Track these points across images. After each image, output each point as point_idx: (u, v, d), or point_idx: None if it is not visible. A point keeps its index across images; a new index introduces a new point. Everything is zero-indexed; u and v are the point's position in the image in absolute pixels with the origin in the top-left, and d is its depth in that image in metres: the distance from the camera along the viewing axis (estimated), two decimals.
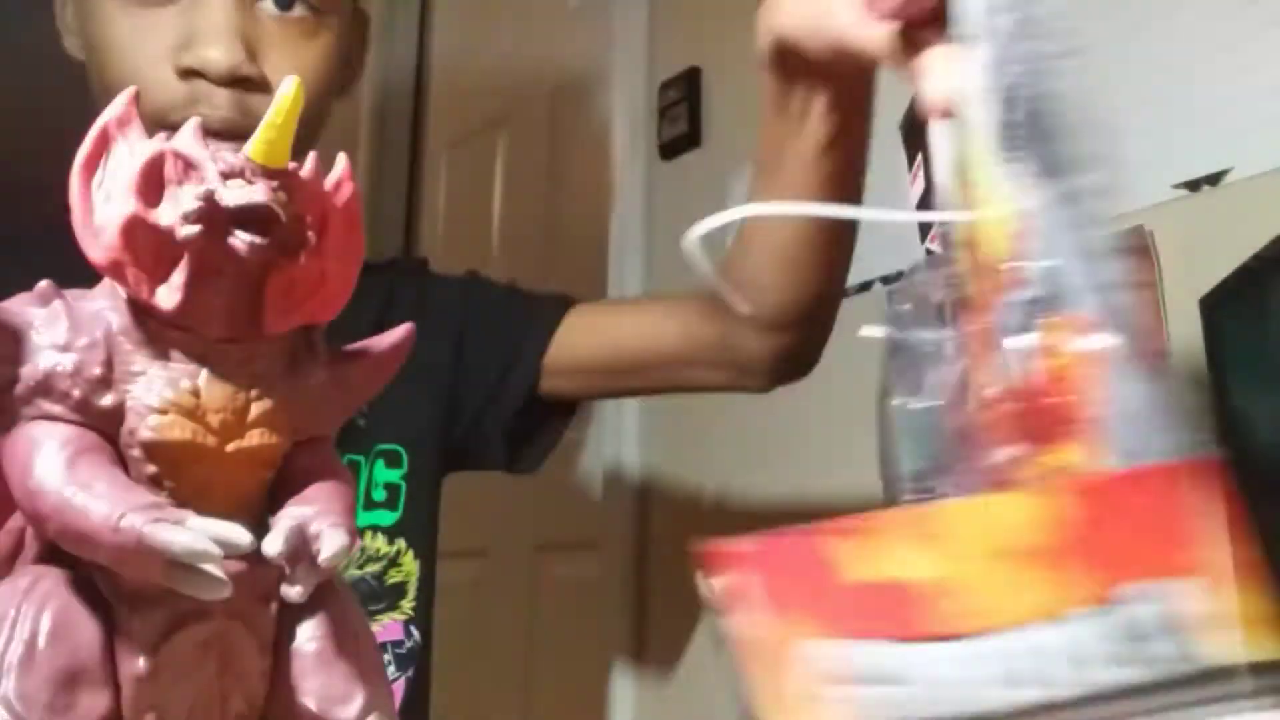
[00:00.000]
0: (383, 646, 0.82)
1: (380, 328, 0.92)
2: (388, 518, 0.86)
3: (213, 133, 0.70)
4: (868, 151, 0.65)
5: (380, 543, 0.85)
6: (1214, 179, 0.94)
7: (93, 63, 0.77)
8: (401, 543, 0.86)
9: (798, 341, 0.80)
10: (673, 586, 1.60)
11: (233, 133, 0.72)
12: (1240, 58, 1.00)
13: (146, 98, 0.70)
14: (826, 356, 1.38)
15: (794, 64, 0.55)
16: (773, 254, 0.74)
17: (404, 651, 0.85)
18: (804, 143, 0.61)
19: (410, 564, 0.86)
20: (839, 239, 0.75)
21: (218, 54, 0.72)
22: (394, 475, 0.87)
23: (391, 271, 0.94)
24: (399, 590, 0.86)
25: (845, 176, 0.64)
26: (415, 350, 0.93)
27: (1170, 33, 1.07)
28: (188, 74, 0.72)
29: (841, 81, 0.57)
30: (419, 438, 0.88)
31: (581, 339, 0.88)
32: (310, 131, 0.80)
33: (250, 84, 0.74)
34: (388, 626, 0.85)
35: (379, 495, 0.86)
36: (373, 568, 0.85)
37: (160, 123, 0.71)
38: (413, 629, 0.86)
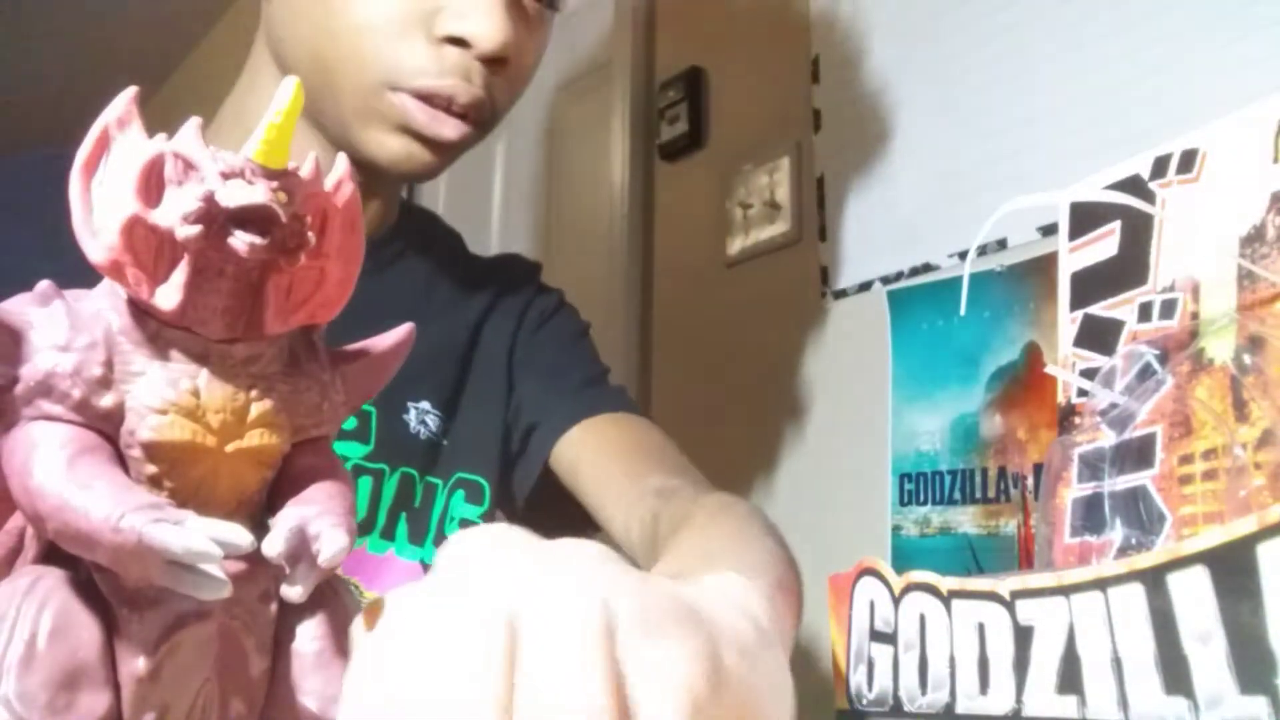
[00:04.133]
0: None
1: (484, 323, 0.89)
2: None
3: (456, 112, 0.70)
4: None
5: None
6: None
7: (301, 9, 0.71)
8: None
9: None
10: None
11: (468, 116, 0.70)
12: (1238, 57, 1.00)
13: (383, 57, 0.68)
14: (827, 358, 1.38)
15: None
16: None
17: None
18: None
19: None
20: None
21: (493, 28, 0.68)
22: (473, 512, 0.79)
23: (506, 268, 0.89)
24: None
25: None
26: (500, 367, 0.90)
27: (1167, 32, 1.07)
28: (447, 41, 0.69)
29: None
30: (499, 470, 0.81)
31: (573, 454, 0.80)
32: (511, 107, 0.77)
33: (503, 66, 0.71)
34: None
35: (453, 532, 0.77)
36: None
37: (395, 86, 0.68)
38: None
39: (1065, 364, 0.51)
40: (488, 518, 0.79)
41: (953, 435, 1.17)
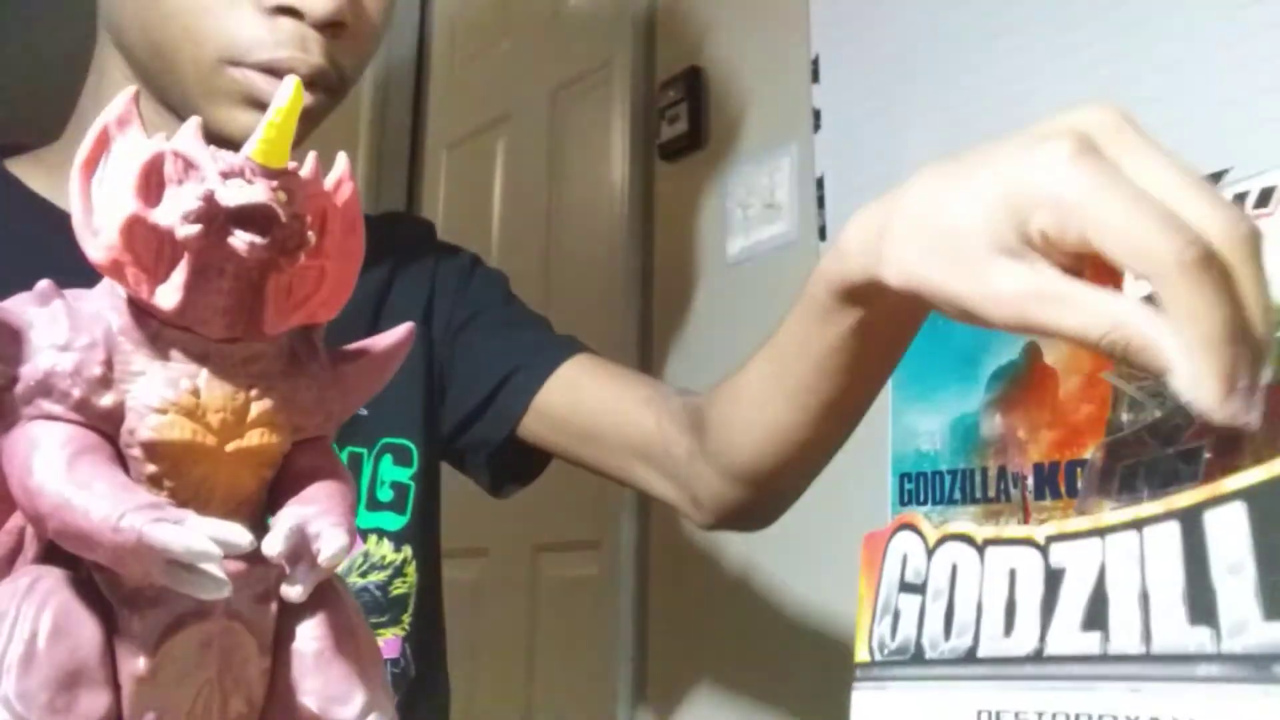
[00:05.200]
0: None
1: (388, 290, 0.89)
2: (395, 521, 0.79)
3: (305, 83, 0.69)
4: (890, 370, 0.62)
5: (386, 549, 0.78)
6: (1214, 179, 0.94)
7: None
8: (408, 550, 0.79)
9: (753, 499, 0.73)
10: (673, 586, 1.59)
11: (313, 84, 0.69)
12: (1238, 56, 1.00)
13: (218, 33, 0.67)
14: None
15: (865, 295, 0.50)
16: (752, 416, 0.68)
17: (399, 671, 0.78)
18: (829, 346, 0.57)
19: (413, 574, 0.79)
20: (824, 436, 0.68)
21: None
22: (403, 474, 0.80)
23: (395, 228, 0.88)
24: (402, 603, 0.78)
25: (860, 387, 0.60)
26: (421, 330, 0.90)
27: (1168, 31, 1.07)
28: (278, 12, 0.67)
29: (899, 316, 0.54)
30: (427, 432, 0.82)
31: (567, 394, 0.82)
32: (363, 69, 0.76)
33: (341, 31, 0.69)
34: (388, 643, 0.77)
35: (385, 495, 0.79)
36: (377, 576, 0.77)
37: (232, 61, 0.67)
38: (407, 648, 0.78)
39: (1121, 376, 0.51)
40: (418, 478, 0.81)
41: (953, 435, 1.17)
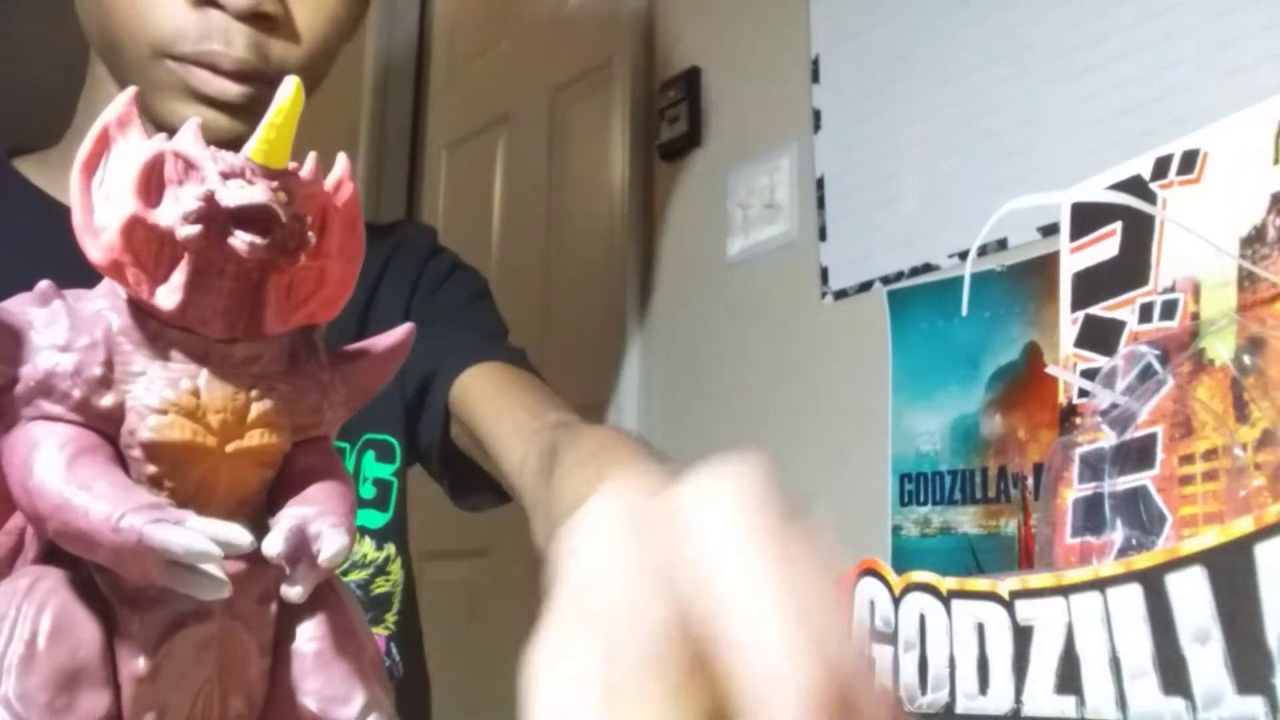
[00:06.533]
0: None
1: (375, 295, 0.87)
2: (377, 519, 0.78)
3: (225, 73, 0.68)
4: None
5: (368, 547, 0.77)
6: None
7: None
8: (391, 548, 0.78)
9: None
10: None
11: (244, 76, 0.68)
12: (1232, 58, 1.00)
13: (149, 25, 0.66)
14: (827, 358, 1.38)
15: None
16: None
17: (386, 671, 0.76)
18: None
19: (397, 572, 0.79)
20: None
21: None
22: (385, 470, 0.79)
23: (394, 234, 0.88)
24: (385, 602, 0.78)
25: None
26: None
27: (1168, 33, 1.07)
28: (204, 3, 0.66)
29: None
30: (407, 427, 0.81)
31: (463, 403, 0.78)
32: (319, 75, 0.75)
33: (271, 23, 0.68)
34: None
35: (368, 492, 0.78)
36: (358, 575, 0.76)
37: (164, 53, 0.67)
38: (394, 647, 0.78)
39: (1066, 364, 0.51)
40: (400, 475, 0.80)
41: (953, 435, 1.17)
